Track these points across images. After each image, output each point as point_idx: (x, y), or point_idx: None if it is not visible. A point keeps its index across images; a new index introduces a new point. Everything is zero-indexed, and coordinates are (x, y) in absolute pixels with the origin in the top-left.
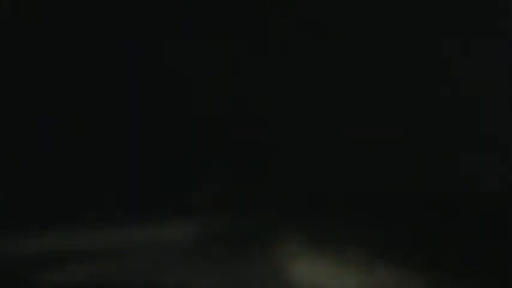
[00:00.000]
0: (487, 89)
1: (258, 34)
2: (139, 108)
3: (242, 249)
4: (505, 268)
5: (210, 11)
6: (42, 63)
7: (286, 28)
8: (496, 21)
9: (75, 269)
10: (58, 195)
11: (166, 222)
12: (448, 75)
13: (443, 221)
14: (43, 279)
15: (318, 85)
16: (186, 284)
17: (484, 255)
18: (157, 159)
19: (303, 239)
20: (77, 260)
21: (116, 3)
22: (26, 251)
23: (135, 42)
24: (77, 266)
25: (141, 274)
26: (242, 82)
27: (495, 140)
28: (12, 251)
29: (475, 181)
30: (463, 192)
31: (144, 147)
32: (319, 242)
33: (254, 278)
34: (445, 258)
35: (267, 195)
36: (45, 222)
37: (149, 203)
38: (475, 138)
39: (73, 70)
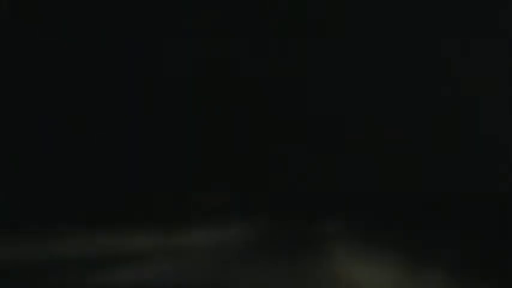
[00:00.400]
0: (487, 89)
1: (258, 34)
2: (139, 108)
3: (280, 251)
4: (505, 268)
5: (210, 11)
6: (42, 63)
7: (286, 28)
8: (496, 21)
9: (112, 272)
10: (74, 203)
11: (193, 227)
12: (448, 75)
13: (443, 221)
14: (81, 282)
15: (318, 85)
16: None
17: (484, 255)
18: (169, 164)
19: (346, 239)
20: (109, 264)
21: (116, 3)
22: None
23: (135, 42)
24: (111, 271)
25: (171, 278)
26: (243, 82)
27: (495, 140)
28: (57, 252)
29: (475, 181)
30: (463, 192)
31: (149, 149)
32: (366, 243)
33: (287, 279)
34: (446, 258)
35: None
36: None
37: (163, 209)
38: (475, 138)
39: (73, 70)
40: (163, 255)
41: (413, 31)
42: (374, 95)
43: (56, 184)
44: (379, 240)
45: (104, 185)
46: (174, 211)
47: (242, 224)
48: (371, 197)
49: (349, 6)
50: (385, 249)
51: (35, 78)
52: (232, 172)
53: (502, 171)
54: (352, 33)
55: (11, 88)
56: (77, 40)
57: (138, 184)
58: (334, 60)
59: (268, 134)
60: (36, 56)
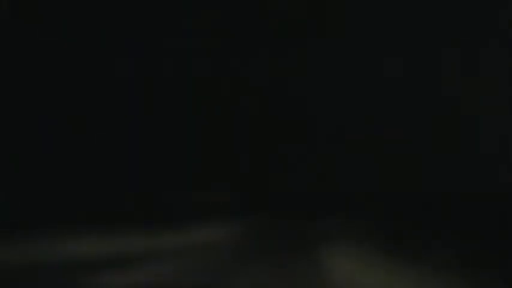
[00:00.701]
0: (487, 89)
1: (258, 34)
2: (139, 108)
3: (276, 250)
4: (505, 268)
5: (209, 11)
6: (42, 63)
7: (286, 28)
8: (496, 21)
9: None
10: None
11: (192, 226)
12: (448, 75)
13: (443, 221)
14: (80, 282)
15: (318, 86)
16: (226, 285)
17: (484, 255)
18: (169, 164)
19: (346, 239)
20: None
21: (116, 3)
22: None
23: (135, 42)
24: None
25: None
26: (242, 82)
27: (495, 140)
28: (68, 252)
29: (475, 181)
30: (463, 192)
31: (149, 149)
32: (361, 241)
33: (291, 278)
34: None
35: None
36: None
37: (164, 209)
38: (475, 138)
39: (73, 70)
40: (163, 255)
41: (413, 31)
42: (374, 95)
43: (56, 184)
44: (379, 240)
45: (104, 185)
46: (174, 211)
47: (242, 224)
48: (371, 197)
49: (349, 6)
50: (385, 249)
51: (35, 78)
52: (232, 172)
53: (502, 171)
54: (352, 33)
55: (11, 88)
56: (77, 40)
57: (138, 184)
58: (334, 60)
59: (268, 134)
60: (36, 56)
